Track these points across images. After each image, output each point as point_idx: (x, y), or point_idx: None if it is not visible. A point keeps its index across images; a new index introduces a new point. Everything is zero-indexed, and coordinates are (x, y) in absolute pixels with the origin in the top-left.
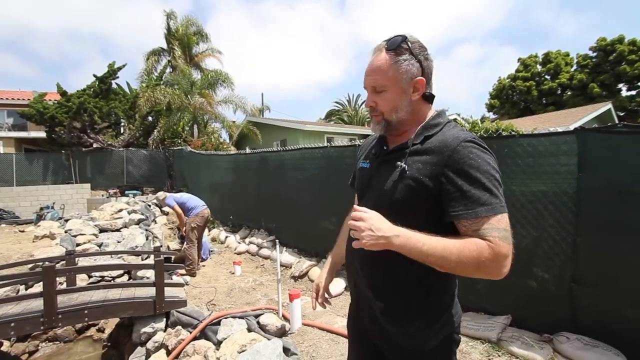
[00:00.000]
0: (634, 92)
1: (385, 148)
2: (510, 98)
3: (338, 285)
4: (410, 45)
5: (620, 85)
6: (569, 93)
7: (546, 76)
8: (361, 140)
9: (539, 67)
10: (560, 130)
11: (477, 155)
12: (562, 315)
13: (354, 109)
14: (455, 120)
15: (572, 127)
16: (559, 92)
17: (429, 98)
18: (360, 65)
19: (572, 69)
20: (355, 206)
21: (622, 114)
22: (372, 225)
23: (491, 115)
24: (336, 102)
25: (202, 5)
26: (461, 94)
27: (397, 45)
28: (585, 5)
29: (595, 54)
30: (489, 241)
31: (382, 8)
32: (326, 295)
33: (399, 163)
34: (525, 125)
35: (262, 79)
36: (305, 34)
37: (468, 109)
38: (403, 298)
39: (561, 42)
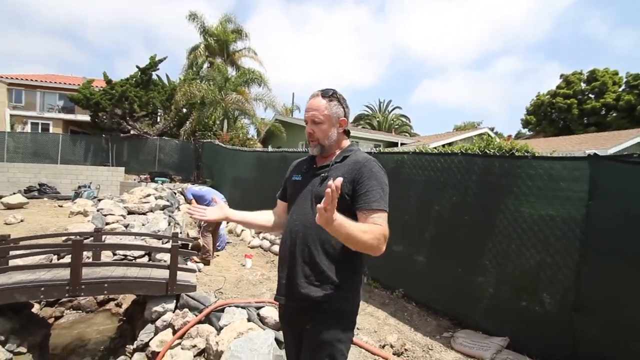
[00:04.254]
0: None
1: (314, 166)
2: (548, 115)
3: None
4: (338, 96)
5: None
6: (614, 114)
7: (590, 95)
8: (377, 149)
9: (582, 85)
10: (580, 154)
11: (377, 170)
12: (561, 342)
13: (384, 115)
14: (487, 134)
15: (611, 151)
16: (602, 112)
17: (347, 133)
18: (396, 71)
19: (620, 89)
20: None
21: None
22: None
23: (527, 132)
24: (366, 107)
25: (243, 3)
26: (498, 107)
27: (330, 94)
28: None
29: None
30: (379, 225)
31: (420, 15)
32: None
33: (324, 174)
34: (561, 145)
35: (295, 78)
36: (342, 37)
37: (504, 124)
38: (337, 273)
39: (616, 58)
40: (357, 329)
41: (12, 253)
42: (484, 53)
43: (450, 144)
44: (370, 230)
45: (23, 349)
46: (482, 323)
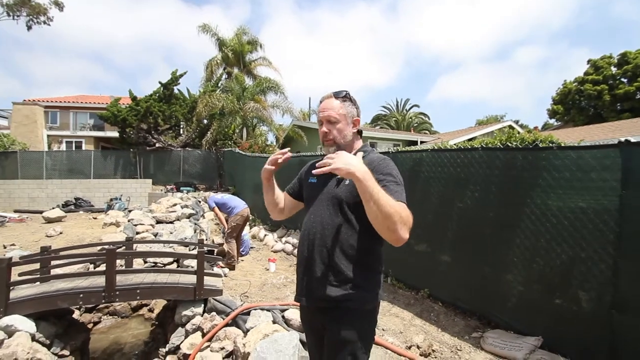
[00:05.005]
0: None
1: None
2: (576, 103)
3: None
4: (350, 96)
5: None
6: None
7: (622, 79)
8: (395, 149)
9: (613, 69)
10: (606, 142)
11: (392, 167)
12: (599, 342)
13: (402, 114)
14: (510, 127)
15: None
16: (637, 96)
17: (360, 133)
18: (412, 69)
19: None
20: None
21: None
22: (342, 158)
23: (554, 122)
24: (383, 107)
25: (258, 12)
26: (522, 99)
27: (343, 95)
28: None
29: None
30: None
31: (432, 11)
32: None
33: (339, 176)
34: (593, 134)
35: (311, 82)
36: (356, 38)
37: (529, 115)
38: (355, 272)
39: None
40: (383, 329)
41: (53, 263)
42: (503, 44)
43: (471, 140)
44: (396, 205)
45: (66, 352)
46: (513, 322)
